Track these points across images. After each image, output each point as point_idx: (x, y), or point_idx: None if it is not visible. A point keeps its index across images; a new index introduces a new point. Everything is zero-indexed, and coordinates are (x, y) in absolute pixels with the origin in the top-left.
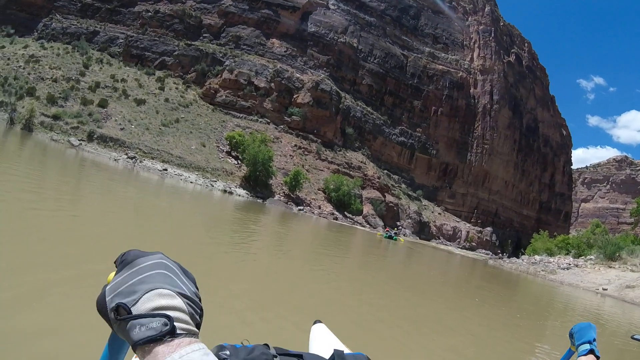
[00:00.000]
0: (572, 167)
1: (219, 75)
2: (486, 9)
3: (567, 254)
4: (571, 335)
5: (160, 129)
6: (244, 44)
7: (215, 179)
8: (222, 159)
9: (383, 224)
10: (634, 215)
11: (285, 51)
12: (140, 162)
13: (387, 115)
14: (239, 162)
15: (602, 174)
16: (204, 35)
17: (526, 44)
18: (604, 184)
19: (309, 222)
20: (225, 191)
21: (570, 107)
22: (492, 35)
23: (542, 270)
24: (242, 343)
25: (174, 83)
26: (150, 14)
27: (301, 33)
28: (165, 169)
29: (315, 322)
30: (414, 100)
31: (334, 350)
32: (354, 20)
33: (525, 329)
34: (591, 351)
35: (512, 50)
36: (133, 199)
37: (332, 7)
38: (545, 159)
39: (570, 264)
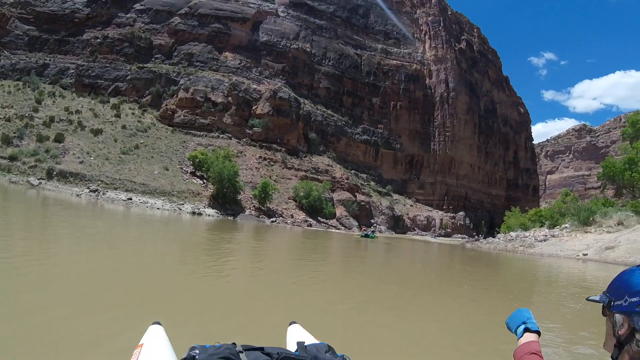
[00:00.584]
0: (533, 142)
1: (175, 95)
2: (433, 0)
3: (542, 225)
4: (508, 327)
5: (120, 157)
6: (197, 61)
7: (182, 202)
8: (187, 180)
9: (358, 223)
10: (601, 179)
11: (239, 63)
12: (104, 194)
13: (348, 115)
14: (205, 181)
15: (563, 145)
16: (156, 56)
17: (475, 30)
18: (567, 154)
19: (284, 233)
20: (194, 213)
21: (525, 85)
22: (442, 25)
23: (520, 246)
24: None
25: (130, 108)
26: (99, 40)
27: (254, 43)
28: (130, 198)
29: (290, 323)
30: (373, 97)
31: (297, 342)
32: (304, 25)
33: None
34: (526, 329)
35: (463, 37)
36: (102, 235)
37: (281, 14)
38: (507, 138)
39: (547, 235)
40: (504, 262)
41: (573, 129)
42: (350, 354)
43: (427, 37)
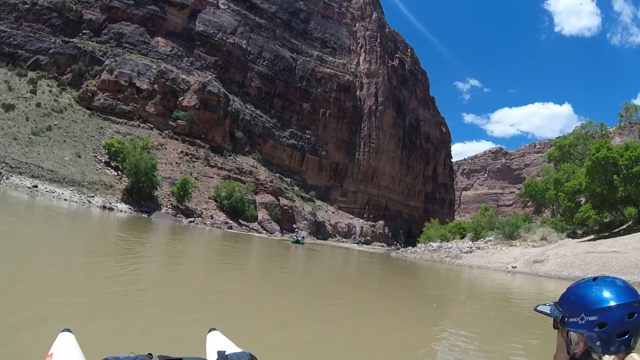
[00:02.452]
0: (452, 159)
1: (98, 77)
2: (373, 16)
3: (462, 237)
4: None
5: (30, 138)
6: (126, 42)
7: (92, 194)
8: (100, 171)
9: (280, 228)
10: (522, 197)
11: (170, 50)
12: (7, 178)
13: (277, 118)
14: (120, 173)
15: (479, 164)
16: (84, 31)
17: (409, 50)
18: (482, 173)
19: (202, 235)
20: (104, 207)
21: (448, 107)
22: (378, 40)
23: (447, 256)
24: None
25: (48, 85)
26: (27, 5)
27: (189, 32)
28: (36, 186)
29: (210, 330)
30: (303, 102)
31: (217, 351)
32: (244, 21)
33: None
34: None
35: (396, 55)
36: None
37: (222, 6)
38: (428, 154)
39: (471, 247)
40: (437, 274)
41: (490, 150)
42: None
43: (362, 50)
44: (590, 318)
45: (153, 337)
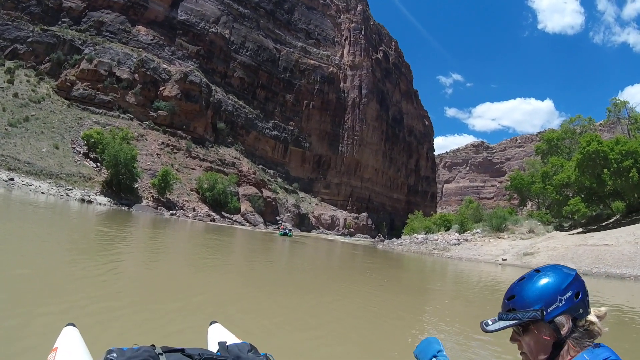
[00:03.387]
0: (434, 153)
1: (77, 66)
2: (358, 8)
3: (447, 229)
4: (416, 357)
5: (6, 130)
6: (106, 31)
7: (71, 187)
8: (79, 162)
9: (263, 220)
10: (508, 189)
11: (152, 40)
12: None
13: (260, 109)
14: (99, 164)
15: (461, 158)
16: (63, 19)
17: (393, 43)
18: (464, 166)
19: (184, 228)
20: (83, 200)
21: (431, 100)
22: (363, 33)
23: (434, 249)
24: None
25: (26, 75)
26: None
27: (170, 21)
28: (12, 179)
29: (211, 323)
30: (287, 94)
31: (218, 342)
32: (227, 10)
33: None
34: None
35: (380, 48)
36: None
37: None
38: (411, 147)
39: (459, 239)
40: (433, 268)
41: (472, 144)
42: (273, 353)
43: (347, 42)
44: (567, 295)
45: (153, 329)
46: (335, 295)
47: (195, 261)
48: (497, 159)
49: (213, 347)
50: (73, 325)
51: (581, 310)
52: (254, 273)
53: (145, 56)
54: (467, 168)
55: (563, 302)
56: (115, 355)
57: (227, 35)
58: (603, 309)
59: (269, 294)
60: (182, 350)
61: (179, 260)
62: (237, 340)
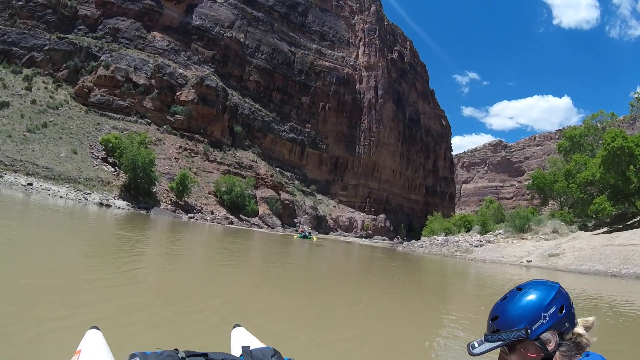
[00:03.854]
0: (452, 153)
1: (94, 72)
2: (372, 9)
3: (468, 231)
4: None
5: (24, 135)
6: (122, 37)
7: (89, 191)
8: (97, 167)
9: (281, 222)
10: (530, 189)
11: (167, 45)
12: (1, 176)
13: (276, 112)
14: (117, 169)
15: (479, 157)
16: (79, 27)
17: (408, 43)
18: (482, 166)
19: (202, 231)
20: (102, 204)
21: (447, 100)
22: (377, 33)
23: (457, 251)
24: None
25: (43, 82)
26: (21, 2)
27: (185, 26)
28: (31, 184)
29: (235, 326)
30: (302, 96)
31: (242, 346)
32: (241, 14)
33: None
34: None
35: (395, 48)
36: None
37: (219, 0)
38: (428, 147)
39: (481, 241)
40: (458, 271)
41: (490, 143)
42: (296, 357)
43: (361, 43)
44: (551, 311)
45: (177, 333)
46: (359, 298)
47: (215, 264)
48: (516, 158)
49: (236, 351)
50: (97, 328)
51: (567, 324)
52: (279, 275)
53: (162, 62)
54: (486, 168)
55: (547, 319)
56: (138, 359)
57: (242, 39)
58: (590, 318)
59: (291, 296)
60: (205, 355)
61: (198, 263)
62: (261, 345)
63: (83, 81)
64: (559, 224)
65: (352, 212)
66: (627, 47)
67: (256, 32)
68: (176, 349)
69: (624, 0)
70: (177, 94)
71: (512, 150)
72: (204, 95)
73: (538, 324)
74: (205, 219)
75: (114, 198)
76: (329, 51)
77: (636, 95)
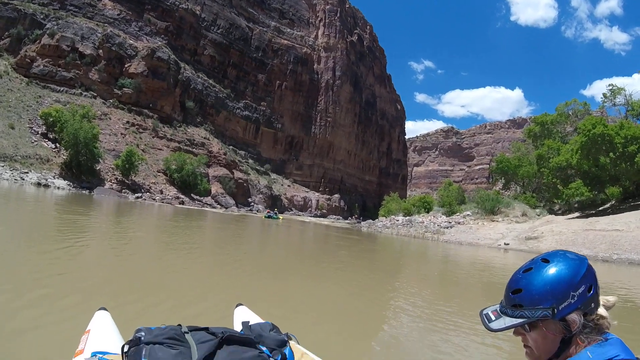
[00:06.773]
0: (405, 136)
1: (38, 41)
2: None
3: (428, 212)
4: None
5: None
6: (70, 5)
7: (26, 170)
8: (36, 143)
9: (235, 202)
10: (494, 171)
11: (118, 14)
12: None
13: (231, 88)
14: (57, 145)
15: (431, 142)
16: None
17: (368, 27)
18: (433, 150)
19: (151, 212)
20: (39, 184)
21: (401, 85)
22: (338, 15)
23: (427, 232)
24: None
25: None
26: None
27: None
28: None
29: (237, 305)
30: (259, 73)
31: (242, 322)
32: None
33: None
34: None
35: (355, 31)
36: None
37: None
38: (383, 130)
39: (450, 222)
40: (442, 253)
41: (441, 129)
42: (295, 334)
43: (322, 24)
44: (580, 290)
45: (182, 312)
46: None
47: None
48: (467, 144)
49: (238, 327)
50: (105, 309)
51: (593, 305)
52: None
53: (111, 31)
54: (437, 152)
55: (576, 298)
56: (143, 333)
57: (197, 12)
58: (611, 298)
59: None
60: (206, 329)
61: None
62: (261, 320)
63: (25, 51)
64: (526, 207)
65: (307, 192)
66: (580, 47)
67: (213, 5)
68: (179, 324)
69: (582, 3)
70: (126, 65)
71: (463, 136)
72: (155, 68)
73: (566, 303)
74: (154, 199)
75: (54, 177)
76: (288, 29)
77: (610, 87)
